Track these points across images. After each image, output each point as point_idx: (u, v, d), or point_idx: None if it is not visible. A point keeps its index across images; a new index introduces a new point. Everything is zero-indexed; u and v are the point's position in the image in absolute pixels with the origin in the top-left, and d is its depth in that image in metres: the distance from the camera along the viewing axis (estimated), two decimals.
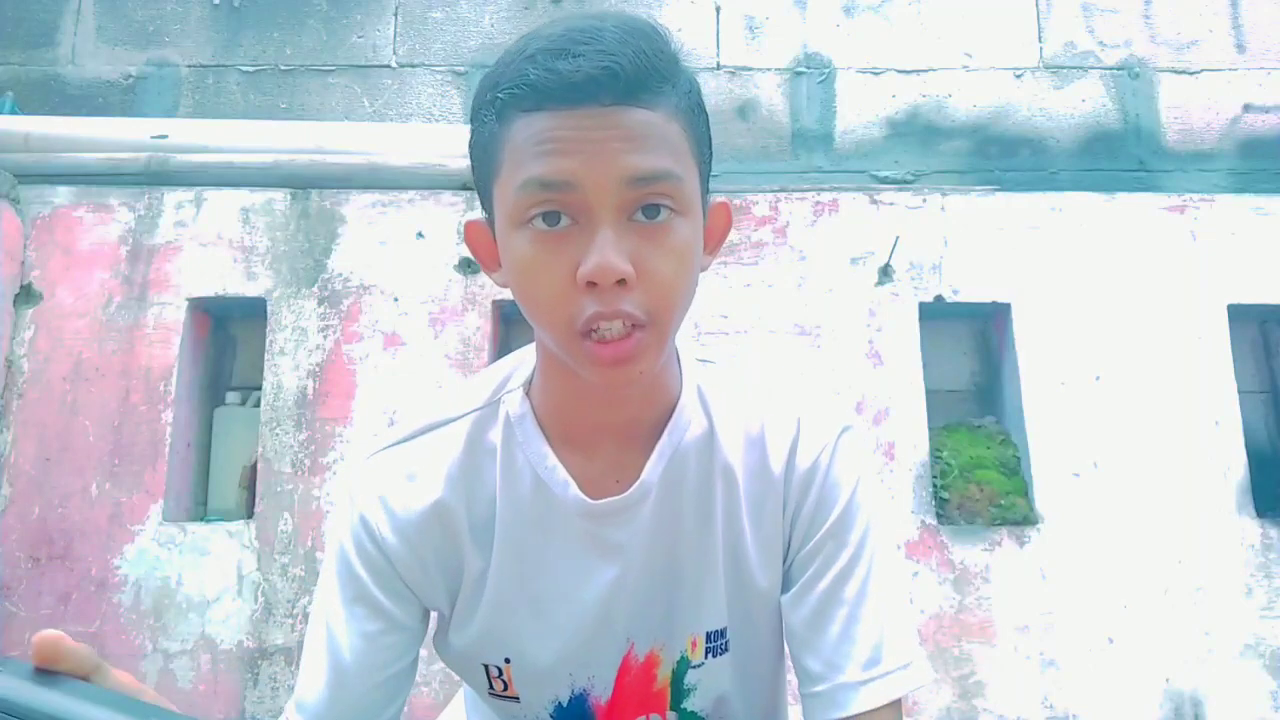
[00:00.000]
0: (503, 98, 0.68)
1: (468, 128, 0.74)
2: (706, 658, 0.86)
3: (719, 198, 0.79)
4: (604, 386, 0.72)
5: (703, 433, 0.83)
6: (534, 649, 0.84)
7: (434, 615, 0.89)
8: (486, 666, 0.86)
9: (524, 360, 0.86)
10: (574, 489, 0.80)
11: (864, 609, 0.79)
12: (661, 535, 0.82)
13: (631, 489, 0.80)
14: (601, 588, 0.82)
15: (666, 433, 0.81)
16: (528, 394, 0.84)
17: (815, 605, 0.80)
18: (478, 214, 0.79)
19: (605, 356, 0.69)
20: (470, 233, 0.78)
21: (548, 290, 0.68)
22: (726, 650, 0.87)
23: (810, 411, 0.85)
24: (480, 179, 0.74)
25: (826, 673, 0.78)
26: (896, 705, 0.78)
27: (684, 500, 0.82)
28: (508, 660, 0.85)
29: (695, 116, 0.72)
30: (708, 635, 0.85)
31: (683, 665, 0.87)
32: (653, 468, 0.81)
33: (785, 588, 0.84)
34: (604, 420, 0.81)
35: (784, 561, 0.85)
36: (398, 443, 0.85)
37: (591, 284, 0.66)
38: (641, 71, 0.66)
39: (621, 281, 0.66)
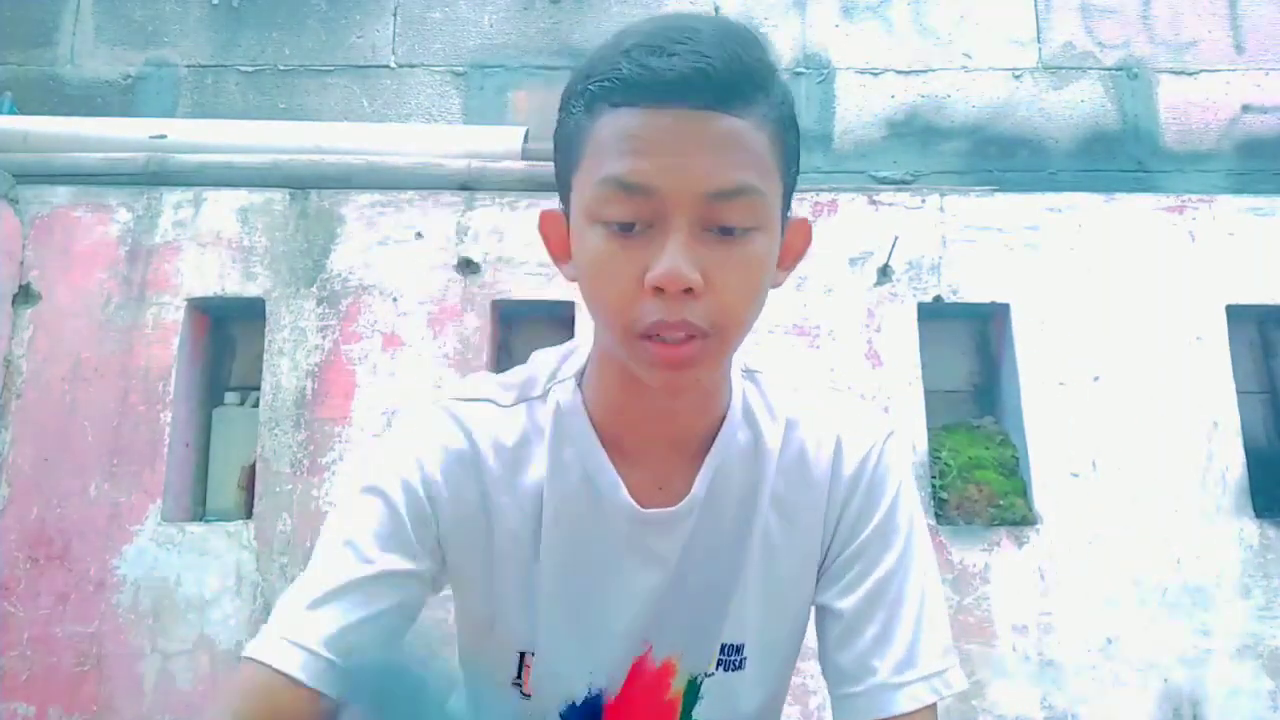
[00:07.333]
0: (593, 90, 0.68)
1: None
2: (717, 670, 0.86)
3: (801, 215, 0.77)
4: (660, 389, 0.72)
5: (748, 446, 0.83)
6: (559, 644, 0.84)
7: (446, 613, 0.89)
8: (523, 655, 0.85)
9: (574, 351, 0.86)
10: (624, 493, 0.80)
11: (903, 611, 0.79)
12: (698, 546, 0.82)
13: (682, 502, 0.80)
14: (639, 594, 0.82)
15: (715, 447, 0.81)
16: (580, 387, 0.83)
17: (856, 606, 0.80)
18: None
19: (663, 359, 0.68)
20: (545, 222, 0.78)
21: (615, 290, 0.68)
22: (741, 667, 0.86)
23: (851, 423, 0.85)
24: (561, 170, 0.74)
25: (860, 674, 0.78)
26: (933, 710, 0.77)
27: (725, 514, 0.82)
28: (532, 653, 0.85)
29: (786, 129, 0.71)
30: (723, 648, 0.85)
31: (702, 676, 0.86)
32: (701, 481, 0.81)
33: (822, 589, 0.84)
34: (657, 431, 0.80)
35: (820, 566, 0.84)
36: (467, 399, 0.84)
37: (658, 289, 0.66)
38: (735, 76, 0.65)
39: (689, 290, 0.65)
